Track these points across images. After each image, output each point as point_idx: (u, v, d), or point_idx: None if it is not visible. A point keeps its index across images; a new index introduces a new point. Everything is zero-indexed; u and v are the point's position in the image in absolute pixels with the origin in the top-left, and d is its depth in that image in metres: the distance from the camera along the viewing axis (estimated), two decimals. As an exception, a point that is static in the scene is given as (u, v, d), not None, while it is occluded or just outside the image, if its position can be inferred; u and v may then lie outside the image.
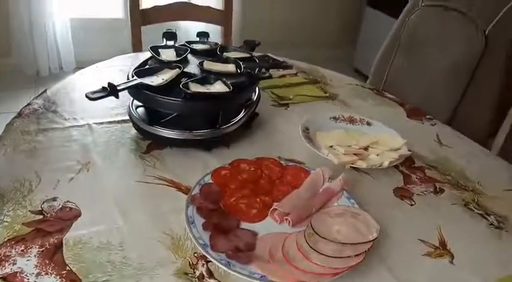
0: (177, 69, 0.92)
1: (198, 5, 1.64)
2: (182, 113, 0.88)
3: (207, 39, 1.16)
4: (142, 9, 1.56)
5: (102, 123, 0.98)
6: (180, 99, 0.84)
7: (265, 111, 1.10)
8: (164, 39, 1.08)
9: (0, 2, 2.60)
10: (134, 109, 0.93)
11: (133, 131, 0.95)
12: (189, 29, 2.93)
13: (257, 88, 1.05)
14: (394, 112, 1.23)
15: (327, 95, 1.27)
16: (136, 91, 0.86)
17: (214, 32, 2.05)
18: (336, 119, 1.10)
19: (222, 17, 1.68)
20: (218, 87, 0.89)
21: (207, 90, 0.87)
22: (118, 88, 0.82)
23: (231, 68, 0.97)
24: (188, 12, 1.63)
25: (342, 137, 1.01)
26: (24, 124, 0.95)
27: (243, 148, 0.95)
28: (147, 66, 0.96)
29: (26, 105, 1.03)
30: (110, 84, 0.82)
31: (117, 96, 0.83)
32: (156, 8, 1.58)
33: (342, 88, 1.33)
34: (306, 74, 1.41)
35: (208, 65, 0.96)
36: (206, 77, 0.92)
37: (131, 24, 1.56)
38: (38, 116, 0.99)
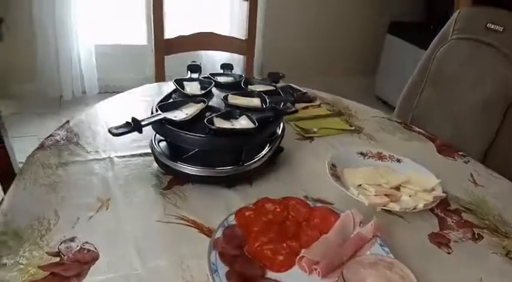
0: (202, 103, 0.90)
1: (221, 35, 1.64)
2: (206, 149, 0.85)
3: (231, 71, 1.15)
4: (167, 39, 1.56)
5: (124, 156, 0.96)
6: (203, 135, 0.81)
7: (290, 145, 1.07)
8: (189, 72, 1.06)
9: (27, 27, 2.68)
10: (156, 143, 0.91)
11: (155, 165, 0.92)
12: (211, 57, 2.97)
13: (282, 122, 1.02)
14: (424, 147, 1.18)
15: (353, 128, 1.23)
16: (160, 126, 0.84)
17: (238, 61, 2.07)
18: (363, 154, 1.05)
19: (245, 47, 1.67)
20: (243, 122, 0.86)
21: (232, 126, 0.84)
22: (142, 123, 0.80)
23: (256, 102, 0.95)
24: (211, 42, 1.64)
25: (371, 175, 0.96)
26: (45, 156, 0.93)
27: (267, 185, 0.91)
28: (171, 100, 0.94)
29: (48, 137, 1.02)
30: (133, 119, 0.80)
31: (140, 131, 0.81)
32: (180, 38, 1.58)
33: (368, 121, 1.29)
34: (329, 105, 1.38)
35: (233, 98, 0.94)
36: (231, 112, 0.89)
37: (155, 53, 1.57)
38: (59, 148, 0.98)
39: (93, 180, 0.88)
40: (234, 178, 0.87)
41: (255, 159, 0.89)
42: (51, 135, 1.02)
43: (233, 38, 1.67)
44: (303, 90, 1.46)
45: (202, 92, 0.97)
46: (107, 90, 3.07)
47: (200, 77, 1.05)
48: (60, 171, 0.89)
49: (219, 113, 0.88)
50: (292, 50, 3.27)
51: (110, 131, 0.78)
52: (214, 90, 1.01)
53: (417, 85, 1.42)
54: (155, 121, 0.83)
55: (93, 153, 0.96)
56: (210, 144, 0.83)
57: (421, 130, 1.27)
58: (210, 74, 1.07)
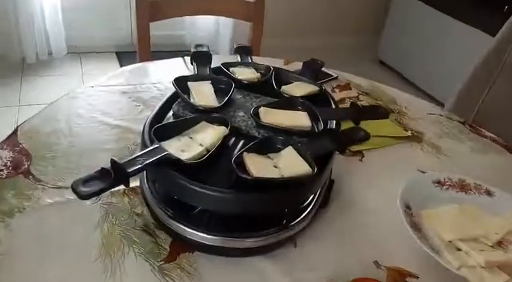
0: (223, 127, 0.57)
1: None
2: (235, 212, 0.53)
3: (250, 56, 0.80)
4: (152, 1, 1.17)
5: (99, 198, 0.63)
6: (229, 191, 0.49)
7: (334, 168, 0.76)
8: (194, 64, 0.71)
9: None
10: (148, 183, 0.59)
11: (148, 216, 0.60)
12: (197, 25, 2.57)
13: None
14: (506, 163, 0.89)
15: (409, 133, 0.92)
16: (157, 170, 0.51)
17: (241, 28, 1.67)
18: (440, 184, 0.75)
19: (252, 11, 1.30)
20: (288, 160, 0.54)
21: (278, 172, 0.52)
22: (129, 171, 0.47)
23: (303, 119, 0.62)
24: (211, 5, 1.25)
25: (460, 221, 0.67)
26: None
27: (316, 245, 0.61)
28: (170, 118, 0.60)
29: (-18, 162, 0.67)
30: (113, 163, 0.47)
31: (127, 184, 0.48)
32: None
33: (424, 121, 0.98)
34: (370, 97, 1.06)
35: (267, 114, 0.61)
36: (270, 140, 0.57)
37: (137, 19, 1.18)
38: (2, 184, 0.64)
39: (47, 250, 0.55)
40: (274, 246, 0.57)
41: (304, 214, 0.58)
42: (-13, 160, 0.68)
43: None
44: (333, 73, 1.14)
45: (220, 103, 0.63)
46: (76, 51, 2.65)
47: (210, 70, 0.70)
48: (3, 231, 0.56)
49: (250, 144, 0.55)
50: (292, 7, 2.86)
51: (74, 190, 0.45)
52: (236, 95, 0.67)
53: (483, 78, 1.11)
54: (151, 164, 0.50)
55: (50, 192, 0.63)
56: (243, 205, 0.51)
57: (492, 135, 0.97)
58: (223, 65, 0.72)
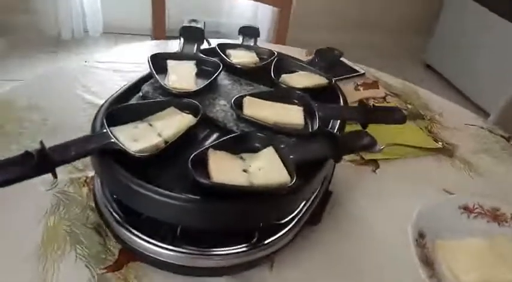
0: (190, 116, 0.46)
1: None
2: (192, 225, 0.42)
3: (255, 40, 0.69)
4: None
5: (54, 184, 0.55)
6: (187, 199, 0.39)
7: (339, 177, 0.64)
8: (181, 39, 0.61)
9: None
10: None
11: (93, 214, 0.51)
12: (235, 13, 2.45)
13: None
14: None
15: (440, 145, 0.78)
16: (99, 161, 0.42)
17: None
18: (468, 210, 0.61)
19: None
20: (268, 165, 0.43)
21: (247, 182, 0.40)
22: (55, 159, 0.38)
23: (295, 115, 0.50)
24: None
25: (485, 258, 0.54)
26: None
27: (298, 270, 0.50)
28: (134, 100, 0.50)
29: None
30: (40, 148, 0.38)
31: (54, 175, 0.39)
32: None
33: (460, 132, 0.83)
34: (400, 98, 0.92)
35: (252, 106, 0.50)
36: (246, 137, 0.46)
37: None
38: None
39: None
40: (243, 267, 0.46)
41: (283, 232, 0.46)
42: None
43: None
44: (360, 69, 1.01)
45: (199, 86, 0.52)
46: (112, 31, 2.63)
47: (199, 50, 0.60)
48: None
49: (220, 140, 0.45)
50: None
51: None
52: (222, 78, 0.56)
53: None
54: (86, 153, 0.40)
55: None
56: (194, 216, 0.40)
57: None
58: (218, 46, 0.61)
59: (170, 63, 0.55)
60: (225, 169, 0.41)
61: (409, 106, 0.89)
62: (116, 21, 2.58)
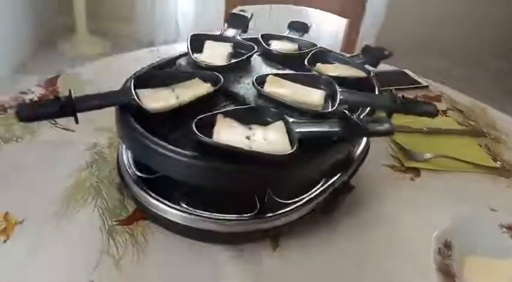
0: (208, 85, 0.49)
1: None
2: (190, 182, 0.43)
3: (303, 35, 0.70)
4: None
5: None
6: (187, 155, 0.40)
7: (371, 178, 0.61)
8: (225, 25, 0.64)
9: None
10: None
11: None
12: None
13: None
14: None
15: (497, 165, 0.70)
16: (119, 115, 0.45)
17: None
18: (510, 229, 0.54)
19: (350, 5, 1.18)
20: (274, 137, 0.43)
21: (247, 147, 0.41)
22: (77, 105, 0.42)
23: (316, 96, 0.50)
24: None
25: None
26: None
27: (306, 258, 0.48)
28: (167, 69, 0.54)
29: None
30: (68, 95, 0.43)
31: (76, 120, 0.43)
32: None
33: (527, 156, 0.74)
34: (463, 115, 0.85)
35: (274, 83, 0.51)
36: (259, 110, 0.46)
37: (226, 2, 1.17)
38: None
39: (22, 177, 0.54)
40: (240, 238, 0.46)
41: (285, 209, 0.46)
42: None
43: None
44: (423, 82, 0.95)
45: (228, 62, 0.55)
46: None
47: (240, 36, 0.62)
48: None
49: (232, 108, 0.46)
50: (416, 21, 2.53)
51: (17, 109, 0.42)
52: (257, 64, 0.58)
53: None
54: (107, 105, 0.44)
55: (54, 132, 0.63)
56: (197, 176, 0.41)
57: None
58: (263, 36, 0.63)
59: (208, 43, 0.58)
60: (227, 133, 0.42)
61: (472, 123, 0.82)
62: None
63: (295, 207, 0.46)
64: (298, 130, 0.42)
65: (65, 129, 0.64)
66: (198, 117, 0.42)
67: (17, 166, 0.56)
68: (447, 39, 2.62)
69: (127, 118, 0.44)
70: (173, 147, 0.40)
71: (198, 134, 0.39)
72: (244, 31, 0.64)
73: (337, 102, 0.48)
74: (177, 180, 0.44)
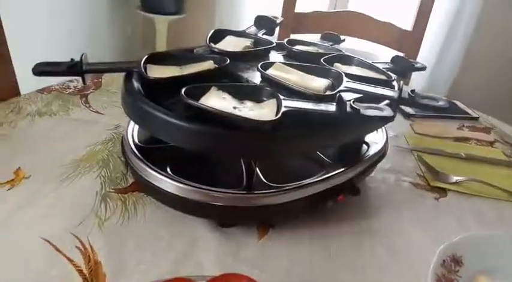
0: (211, 62, 0.50)
1: (374, 19, 1.17)
2: (177, 143, 0.44)
3: (333, 45, 0.69)
4: (297, 13, 1.19)
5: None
6: (173, 116, 0.41)
7: (390, 190, 0.57)
8: (253, 27, 0.66)
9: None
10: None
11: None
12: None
13: (385, 138, 0.54)
14: None
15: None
16: (124, 80, 0.48)
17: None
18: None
19: (406, 41, 1.16)
20: (263, 111, 0.42)
21: (231, 110, 0.41)
22: (83, 67, 0.46)
23: (317, 83, 0.49)
24: (357, 27, 1.18)
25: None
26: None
27: (294, 240, 0.46)
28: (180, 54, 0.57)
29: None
30: (80, 58, 0.47)
31: (83, 80, 0.47)
32: (315, 14, 1.18)
33: None
34: (509, 146, 0.77)
35: (279, 69, 0.51)
36: (254, 88, 0.46)
37: (279, 28, 1.21)
38: (62, 96, 0.72)
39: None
40: (227, 213, 0.45)
41: (273, 190, 0.44)
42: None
43: (392, 25, 1.17)
44: (474, 113, 0.88)
45: (240, 49, 0.56)
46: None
47: (264, 36, 0.64)
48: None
49: (228, 83, 0.47)
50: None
51: (33, 67, 0.46)
52: (273, 57, 0.59)
53: None
54: (114, 70, 0.47)
55: (86, 113, 0.68)
56: (182, 140, 0.42)
57: None
58: (288, 41, 0.64)
59: (229, 37, 0.60)
60: (215, 101, 0.42)
61: (518, 156, 0.74)
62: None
63: (285, 189, 0.44)
64: (288, 105, 0.41)
65: (95, 111, 0.69)
66: (191, 85, 0.43)
67: (44, 136, 0.61)
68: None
69: (128, 82, 0.46)
70: (161, 108, 0.42)
71: (184, 96, 0.40)
72: (270, 34, 0.65)
73: (340, 88, 0.46)
74: (172, 152, 0.45)
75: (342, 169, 0.49)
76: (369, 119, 0.41)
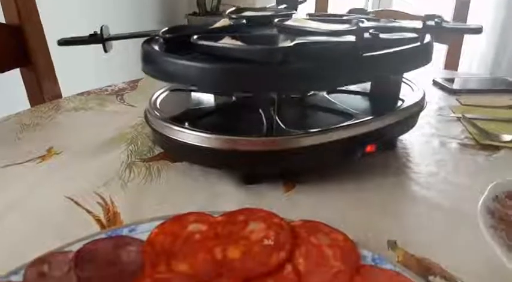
0: (225, 19, 0.50)
1: (411, 15, 1.14)
2: (195, 83, 0.43)
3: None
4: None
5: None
6: (188, 57, 0.41)
7: (433, 151, 0.52)
8: (276, 3, 0.66)
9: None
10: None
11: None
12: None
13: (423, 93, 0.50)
14: None
15: None
16: (143, 46, 0.49)
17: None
18: None
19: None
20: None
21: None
22: (104, 35, 0.48)
23: (335, 27, 0.47)
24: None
25: None
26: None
27: (318, 196, 0.42)
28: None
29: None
30: (100, 29, 0.49)
31: (104, 49, 0.48)
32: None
33: None
34: None
35: (298, 21, 0.49)
36: (269, 37, 0.45)
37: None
38: (98, 96, 0.76)
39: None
40: (251, 160, 0.42)
41: (291, 136, 0.41)
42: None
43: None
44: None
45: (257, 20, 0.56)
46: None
47: (287, 11, 0.63)
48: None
49: (243, 32, 0.46)
50: None
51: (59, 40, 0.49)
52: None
53: None
54: (134, 36, 0.48)
55: (119, 105, 0.70)
56: (200, 78, 0.41)
57: None
58: (309, 15, 0.63)
59: (248, 12, 0.60)
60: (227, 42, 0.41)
61: None
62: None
63: (308, 133, 0.41)
64: (299, 40, 0.40)
65: (129, 105, 0.71)
66: (204, 34, 0.43)
67: (77, 124, 0.63)
68: None
69: (147, 44, 0.47)
70: (177, 55, 0.41)
71: (194, 37, 0.40)
72: (293, 10, 0.65)
73: (360, 25, 0.44)
74: (192, 114, 0.45)
75: (370, 117, 0.45)
76: (387, 43, 0.38)
